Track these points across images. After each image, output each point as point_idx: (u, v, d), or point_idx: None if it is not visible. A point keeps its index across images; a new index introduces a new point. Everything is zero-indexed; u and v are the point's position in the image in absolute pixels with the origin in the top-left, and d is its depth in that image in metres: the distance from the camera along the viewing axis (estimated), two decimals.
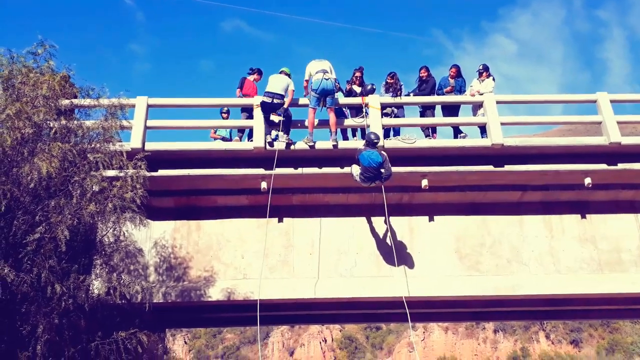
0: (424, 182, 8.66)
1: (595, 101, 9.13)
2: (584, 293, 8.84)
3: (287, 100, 8.56)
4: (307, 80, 8.81)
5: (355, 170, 7.86)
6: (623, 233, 9.12)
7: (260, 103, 8.53)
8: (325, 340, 64.50)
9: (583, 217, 9.22)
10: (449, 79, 9.92)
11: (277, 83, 8.61)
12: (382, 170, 7.66)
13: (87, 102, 7.51)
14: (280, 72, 8.94)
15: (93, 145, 7.22)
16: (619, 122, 8.76)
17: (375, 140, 7.82)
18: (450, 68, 9.79)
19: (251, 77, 10.07)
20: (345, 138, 9.81)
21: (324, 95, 8.51)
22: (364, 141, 7.98)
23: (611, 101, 9.02)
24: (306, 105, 8.80)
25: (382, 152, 7.84)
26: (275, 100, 8.41)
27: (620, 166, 8.76)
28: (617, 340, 44.89)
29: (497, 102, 9.03)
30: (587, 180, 8.70)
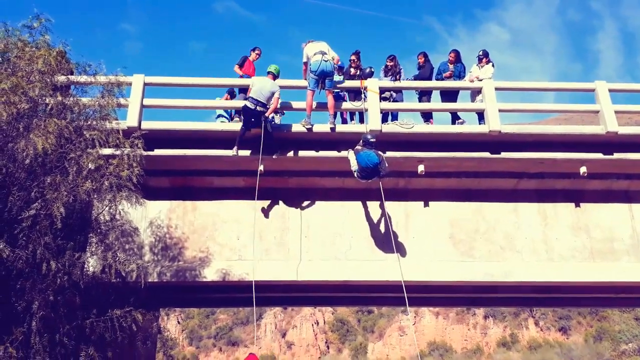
0: (421, 168, 8.67)
1: (593, 90, 9.13)
2: (575, 281, 8.94)
3: (271, 108, 8.17)
4: (305, 63, 8.70)
5: (353, 165, 7.84)
6: (616, 222, 9.19)
7: (242, 107, 8.22)
8: (318, 323, 65.11)
9: (577, 205, 9.27)
10: (448, 64, 9.86)
11: (263, 88, 8.15)
12: (380, 169, 7.68)
13: (83, 78, 7.44)
14: (268, 74, 8.43)
15: (89, 123, 7.18)
16: (616, 112, 8.77)
17: (372, 140, 7.76)
18: (450, 53, 9.74)
19: (253, 56, 9.96)
20: (344, 121, 9.78)
21: (323, 77, 8.44)
22: (361, 141, 7.88)
23: (609, 90, 9.03)
24: (305, 87, 8.73)
25: (379, 152, 7.80)
26: (258, 108, 8.04)
27: (616, 156, 8.79)
28: (605, 329, 45.55)
29: (496, 89, 9.01)
30: (583, 169, 8.74)
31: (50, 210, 6.23)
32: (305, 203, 9.16)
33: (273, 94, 8.16)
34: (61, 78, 7.34)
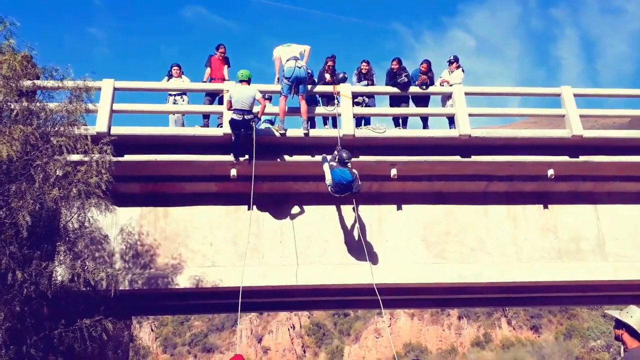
0: (393, 172, 8.75)
1: (559, 94, 9.38)
2: (544, 281, 9.15)
3: (260, 111, 8.12)
4: (275, 60, 8.68)
5: (328, 180, 7.85)
6: (582, 223, 9.45)
7: (230, 121, 8.06)
8: (294, 327, 64.88)
9: (545, 207, 9.50)
10: (420, 74, 9.76)
11: (243, 97, 7.97)
12: (353, 186, 7.75)
13: (50, 83, 7.26)
14: (241, 82, 8.22)
15: (57, 129, 7.00)
16: (581, 116, 9.04)
17: (347, 160, 7.79)
18: (421, 63, 9.68)
19: (217, 54, 9.83)
20: (318, 126, 9.79)
21: (297, 83, 8.45)
22: (336, 157, 7.88)
23: (574, 95, 9.29)
24: (279, 92, 8.72)
25: (353, 170, 7.84)
26: (246, 117, 7.93)
27: (582, 158, 9.05)
28: (575, 326, 46.73)
29: (466, 94, 9.17)
30: (550, 172, 8.96)
31: (15, 219, 6.07)
32: (280, 208, 9.14)
33: (254, 98, 8.05)
34: (27, 83, 7.15)
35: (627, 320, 3.48)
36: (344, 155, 7.80)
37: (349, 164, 7.82)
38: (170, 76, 9.70)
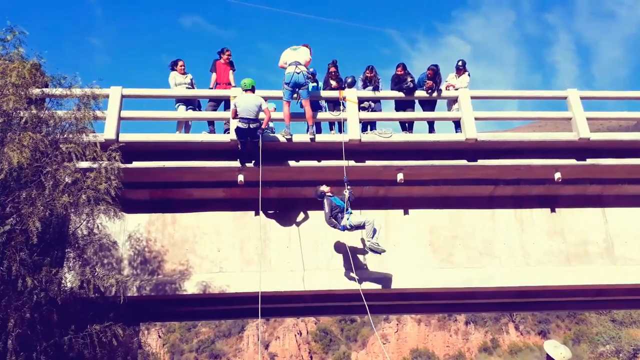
0: (400, 176, 8.76)
1: (565, 97, 9.37)
2: (552, 285, 9.10)
3: (265, 120, 8.15)
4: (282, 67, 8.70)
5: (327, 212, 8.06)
6: (590, 226, 9.41)
7: (236, 130, 8.12)
8: (301, 333, 64.70)
9: (552, 211, 9.47)
10: (426, 80, 9.73)
11: (249, 105, 7.99)
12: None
13: (58, 91, 7.35)
14: (246, 91, 8.21)
15: (65, 136, 7.08)
16: (588, 119, 9.01)
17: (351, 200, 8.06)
18: (428, 69, 9.63)
19: (222, 59, 9.79)
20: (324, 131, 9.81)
21: (297, 88, 8.48)
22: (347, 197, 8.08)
23: (581, 98, 9.27)
24: (281, 98, 8.75)
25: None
26: (252, 125, 7.98)
27: (589, 161, 9.02)
28: (583, 331, 46.33)
29: (472, 98, 9.18)
30: (557, 175, 8.94)
31: (25, 226, 6.12)
32: (287, 213, 9.16)
33: (260, 107, 8.07)
34: (36, 91, 7.24)
35: (556, 357, 4.48)
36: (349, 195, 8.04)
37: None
38: (173, 69, 9.67)
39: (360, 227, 7.98)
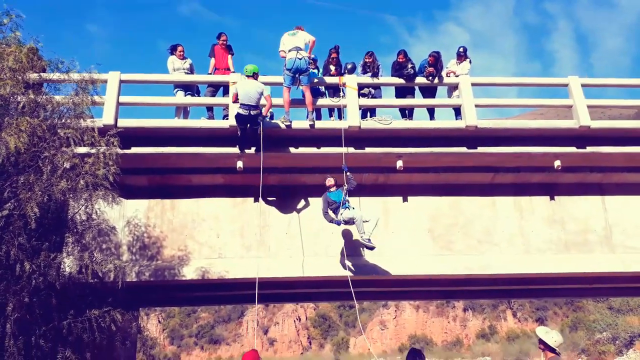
0: (399, 163, 8.73)
1: (567, 85, 9.30)
2: (551, 272, 9.12)
3: (266, 108, 8.07)
4: (281, 51, 8.61)
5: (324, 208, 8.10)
6: (590, 214, 9.40)
7: (236, 116, 8.04)
8: (300, 319, 65.13)
9: (552, 198, 9.46)
10: (427, 66, 9.65)
11: (250, 92, 7.89)
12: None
13: (56, 76, 7.29)
14: (248, 77, 8.11)
15: (63, 121, 7.04)
16: (588, 107, 8.96)
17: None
18: (430, 55, 9.54)
19: (219, 43, 9.71)
20: (324, 118, 9.77)
21: (298, 73, 8.41)
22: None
23: (582, 85, 9.21)
24: (282, 84, 8.69)
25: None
26: (252, 112, 7.89)
27: (589, 149, 8.99)
28: (580, 318, 46.62)
29: (472, 85, 9.11)
30: (557, 163, 8.91)
31: (24, 211, 6.11)
32: (286, 200, 9.14)
33: (261, 94, 7.98)
34: (33, 75, 7.17)
35: (548, 341, 5.09)
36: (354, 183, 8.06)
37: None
38: (172, 53, 9.58)
39: (352, 222, 7.90)
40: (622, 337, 34.00)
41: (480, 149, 8.85)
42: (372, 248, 7.88)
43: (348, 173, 8.10)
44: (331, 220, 8.06)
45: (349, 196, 8.08)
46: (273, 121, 8.66)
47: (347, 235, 8.97)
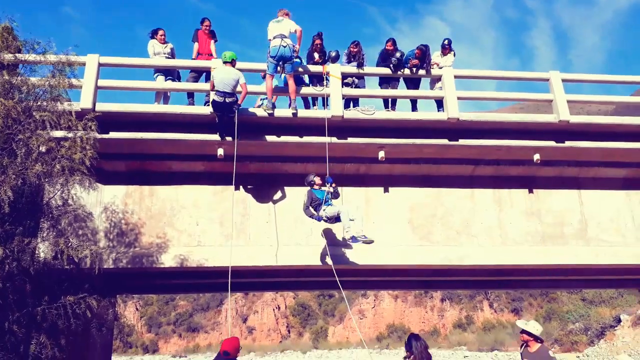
0: (381, 154, 8.74)
1: (547, 79, 9.40)
2: (527, 264, 9.27)
3: (241, 96, 7.96)
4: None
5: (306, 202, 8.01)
6: (566, 208, 9.57)
7: (212, 102, 7.95)
8: (279, 308, 65.32)
9: (530, 191, 9.59)
10: (412, 58, 9.61)
11: (226, 78, 7.80)
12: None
13: (32, 57, 7.09)
14: (225, 63, 8.02)
15: (39, 103, 6.86)
16: (568, 101, 9.07)
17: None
18: (417, 48, 9.52)
19: (203, 28, 9.61)
20: (306, 106, 9.72)
21: (282, 61, 8.33)
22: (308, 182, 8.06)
23: (563, 80, 9.31)
24: (265, 71, 8.60)
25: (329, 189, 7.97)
26: (227, 99, 7.77)
27: (568, 143, 9.12)
28: (554, 309, 47.67)
29: (455, 77, 9.14)
30: (536, 156, 9.03)
31: None
32: (267, 189, 9.10)
33: (237, 81, 7.88)
34: (8, 56, 6.97)
35: (532, 331, 5.71)
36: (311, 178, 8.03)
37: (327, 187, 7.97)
38: (153, 37, 9.43)
39: (337, 218, 7.82)
40: (594, 327, 34.85)
41: (462, 141, 8.91)
42: (371, 242, 7.63)
43: (333, 185, 8.06)
44: (311, 216, 7.99)
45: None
46: (255, 109, 8.58)
47: (328, 224, 8.97)
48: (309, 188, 8.08)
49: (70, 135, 6.89)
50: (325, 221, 7.98)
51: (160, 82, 9.19)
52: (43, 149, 6.54)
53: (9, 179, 6.02)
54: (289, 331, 64.23)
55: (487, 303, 57.40)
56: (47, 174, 6.57)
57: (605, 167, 9.53)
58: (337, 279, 7.74)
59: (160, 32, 9.44)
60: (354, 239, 7.61)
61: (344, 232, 7.78)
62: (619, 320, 31.73)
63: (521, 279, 11.50)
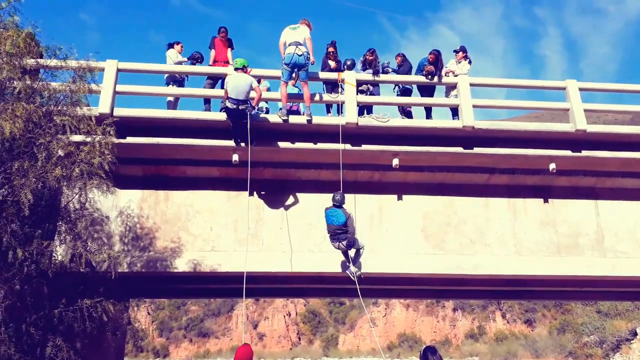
0: (395, 161, 8.74)
1: (564, 88, 9.34)
2: (542, 275, 9.18)
3: (255, 99, 8.03)
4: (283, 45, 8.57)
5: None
6: (582, 218, 9.46)
7: (225, 109, 8.05)
8: (290, 314, 65.25)
9: (545, 201, 9.50)
10: (426, 64, 9.65)
11: (239, 85, 7.86)
12: (346, 233, 7.82)
13: (53, 62, 7.22)
14: (237, 70, 8.10)
15: (60, 108, 6.98)
16: (585, 110, 9.00)
17: (338, 203, 7.88)
18: (430, 53, 9.56)
19: (220, 36, 9.86)
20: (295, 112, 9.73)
21: (296, 69, 8.38)
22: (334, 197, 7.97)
23: (580, 89, 9.24)
24: (279, 78, 8.64)
25: (347, 211, 7.90)
26: (240, 106, 7.85)
27: (584, 153, 9.03)
28: (569, 321, 46.93)
29: (471, 85, 9.12)
30: (552, 166, 8.95)
31: (17, 197, 6.07)
32: (281, 195, 9.13)
33: (250, 87, 7.95)
34: (30, 61, 7.11)
35: None
36: (338, 197, 7.92)
37: (342, 206, 7.93)
38: (172, 47, 9.85)
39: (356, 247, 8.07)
40: (609, 340, 34.23)
41: (477, 150, 8.87)
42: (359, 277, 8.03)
43: (357, 271, 8.14)
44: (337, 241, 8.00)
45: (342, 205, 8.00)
46: (266, 115, 8.65)
47: None
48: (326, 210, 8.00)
49: (89, 139, 7.00)
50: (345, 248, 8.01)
51: (177, 88, 9.33)
52: (62, 153, 6.65)
53: (30, 182, 6.12)
54: (299, 338, 64.09)
55: (499, 313, 56.74)
56: (66, 178, 6.67)
57: (622, 178, 9.41)
58: (358, 287, 7.76)
59: (180, 45, 9.74)
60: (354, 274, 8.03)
61: (350, 265, 8.04)
62: (635, 334, 31.14)
63: (535, 289, 11.36)
